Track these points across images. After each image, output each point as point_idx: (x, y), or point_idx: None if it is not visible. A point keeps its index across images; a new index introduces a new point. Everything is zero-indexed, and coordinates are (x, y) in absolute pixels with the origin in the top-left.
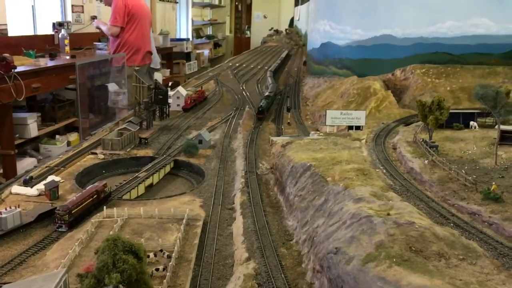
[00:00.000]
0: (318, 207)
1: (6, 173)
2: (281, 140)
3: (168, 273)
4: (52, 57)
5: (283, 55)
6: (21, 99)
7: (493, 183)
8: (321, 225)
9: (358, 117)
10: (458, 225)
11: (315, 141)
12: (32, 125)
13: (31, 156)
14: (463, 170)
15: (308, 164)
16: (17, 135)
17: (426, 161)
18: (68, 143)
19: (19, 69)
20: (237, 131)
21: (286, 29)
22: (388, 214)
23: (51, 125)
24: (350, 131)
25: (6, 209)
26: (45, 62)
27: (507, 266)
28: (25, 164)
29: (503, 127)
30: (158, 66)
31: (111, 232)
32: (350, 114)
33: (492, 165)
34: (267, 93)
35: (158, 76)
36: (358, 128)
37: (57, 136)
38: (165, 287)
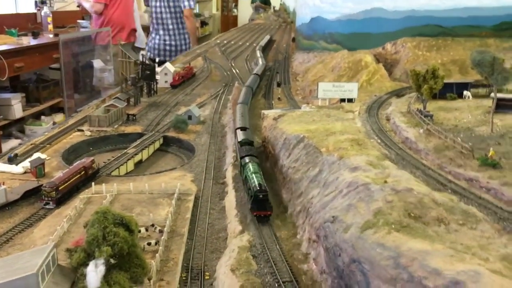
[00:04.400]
0: (313, 178)
1: None
2: (273, 113)
3: (160, 247)
4: (35, 35)
5: (265, 39)
6: (4, 79)
7: (491, 149)
8: (316, 196)
9: (351, 89)
10: (456, 191)
11: (307, 114)
12: (17, 106)
13: (16, 137)
14: (459, 138)
15: (301, 135)
16: (1, 116)
17: (421, 130)
18: (54, 124)
19: (1, 48)
20: (227, 106)
21: (273, 7)
22: (385, 182)
23: (36, 105)
24: (343, 104)
25: None
26: (28, 41)
27: (508, 230)
28: (10, 145)
29: (499, 95)
30: (144, 45)
31: (98, 208)
32: (342, 86)
33: (488, 132)
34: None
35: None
36: (350, 100)
37: (42, 117)
38: (158, 261)
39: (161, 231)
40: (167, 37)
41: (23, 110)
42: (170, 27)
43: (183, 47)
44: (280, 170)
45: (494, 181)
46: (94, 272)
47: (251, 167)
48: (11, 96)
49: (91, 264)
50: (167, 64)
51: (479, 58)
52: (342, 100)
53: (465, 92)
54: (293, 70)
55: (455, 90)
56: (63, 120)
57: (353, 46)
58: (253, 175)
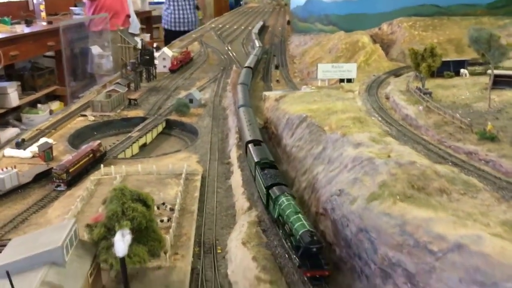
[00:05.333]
0: (317, 156)
1: None
2: (274, 95)
3: (173, 224)
4: (28, 23)
5: (260, 24)
6: (0, 67)
7: (489, 123)
8: (321, 172)
9: (350, 69)
10: (456, 164)
11: (308, 94)
12: (13, 94)
13: (14, 126)
14: (457, 114)
15: (304, 115)
16: None
17: (420, 108)
18: (51, 112)
19: None
20: (227, 89)
21: None
22: (389, 156)
23: (31, 94)
24: (342, 84)
25: (2, 170)
26: (22, 29)
27: (507, 198)
28: (8, 134)
29: (496, 71)
30: (138, 31)
31: (113, 187)
32: (342, 67)
33: (486, 108)
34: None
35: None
36: (349, 80)
37: (38, 105)
38: (171, 236)
39: (171, 209)
40: (180, 10)
41: (19, 99)
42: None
43: (193, 20)
44: (284, 149)
45: (493, 154)
46: (121, 241)
47: (288, 204)
48: (7, 85)
49: (118, 234)
50: (165, 49)
51: (476, 35)
52: (341, 80)
53: (462, 70)
54: (290, 52)
55: (452, 68)
56: (60, 108)
57: (349, 27)
58: (295, 216)
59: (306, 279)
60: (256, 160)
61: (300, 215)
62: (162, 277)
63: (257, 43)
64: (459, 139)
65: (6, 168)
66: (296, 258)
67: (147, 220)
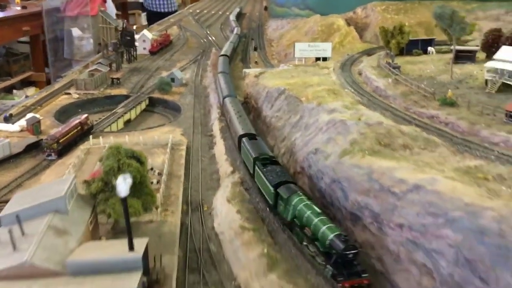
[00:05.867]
0: (294, 124)
1: None
2: (254, 72)
3: (162, 185)
4: (2, 8)
5: (237, 10)
6: None
7: (449, 91)
8: (298, 137)
9: (325, 48)
10: (419, 126)
11: (286, 71)
12: None
13: None
14: (422, 85)
15: (282, 88)
16: None
17: (390, 80)
18: (27, 97)
19: None
20: (207, 70)
21: None
22: (359, 119)
23: (7, 79)
24: (318, 62)
25: None
26: None
27: (461, 151)
28: None
29: (458, 47)
30: (113, 17)
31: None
32: (318, 46)
33: (448, 79)
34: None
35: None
36: (325, 59)
37: (14, 91)
38: (161, 194)
39: (160, 174)
40: None
41: None
42: None
43: (173, 1)
44: (263, 120)
45: (452, 117)
46: (123, 183)
47: (305, 205)
48: None
49: (120, 178)
50: (145, 31)
51: (440, 12)
52: (317, 59)
53: (429, 48)
54: (267, 36)
55: (420, 47)
56: (35, 93)
57: (325, 11)
58: (318, 219)
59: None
60: (254, 156)
61: (323, 216)
62: (154, 229)
63: (235, 30)
64: (423, 106)
65: None
66: (329, 267)
67: (141, 175)
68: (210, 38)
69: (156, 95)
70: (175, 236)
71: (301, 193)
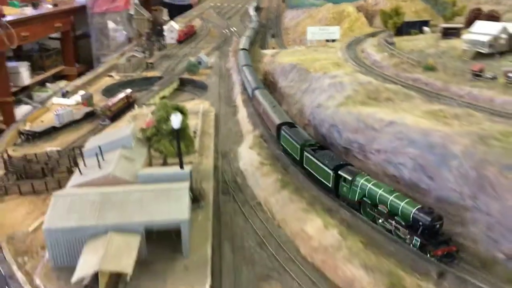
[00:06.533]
0: (304, 90)
1: (6, 120)
2: (270, 52)
3: (197, 138)
4: (35, 6)
5: (253, 4)
6: (14, 46)
7: (430, 59)
8: (307, 99)
9: (333, 31)
10: (404, 86)
11: (298, 51)
12: (25, 74)
13: (26, 103)
14: (411, 56)
15: (295, 63)
16: (11, 84)
17: (385, 54)
18: (61, 89)
19: (9, 18)
20: (229, 55)
21: None
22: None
23: (41, 73)
24: (327, 43)
25: (60, 109)
26: (30, 11)
27: (432, 101)
28: (22, 111)
29: (444, 24)
30: (132, 13)
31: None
32: (327, 29)
33: (435, 52)
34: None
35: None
36: (333, 41)
37: (47, 84)
38: (197, 142)
39: (195, 132)
40: None
41: (30, 78)
42: None
43: None
44: (279, 91)
45: (431, 78)
46: (176, 118)
47: (375, 184)
48: (18, 64)
49: (173, 115)
50: (172, 22)
51: None
52: (327, 41)
53: (425, 28)
54: (284, 26)
55: (418, 27)
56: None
57: (338, 0)
58: (394, 195)
59: (435, 258)
60: (301, 143)
61: (397, 192)
62: (194, 167)
63: (252, 24)
64: (410, 72)
65: (63, 107)
66: (416, 238)
67: (185, 122)
68: (231, 29)
69: (185, 76)
70: (210, 172)
71: (364, 173)
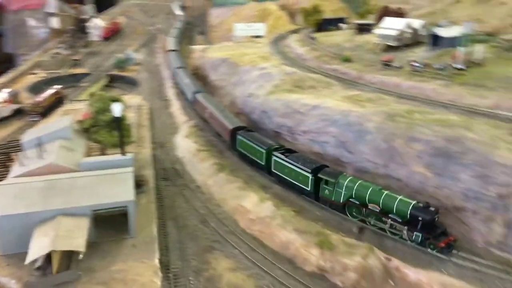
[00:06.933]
0: (234, 82)
1: None
2: (200, 48)
3: (133, 129)
4: None
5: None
6: None
7: (346, 52)
8: (238, 91)
9: (259, 28)
10: (325, 75)
11: (227, 46)
12: None
13: None
14: (331, 49)
15: (225, 57)
16: None
17: (308, 48)
18: None
19: None
20: (156, 51)
21: None
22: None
23: None
24: (254, 39)
25: None
26: None
27: (349, 88)
28: None
29: (358, 21)
30: (53, 10)
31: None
32: (254, 26)
33: (351, 45)
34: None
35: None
36: (259, 37)
37: None
38: (134, 133)
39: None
40: None
41: None
42: None
43: None
44: (210, 84)
45: (347, 68)
46: (117, 107)
47: (361, 184)
48: None
49: (114, 104)
50: (96, 20)
51: None
52: (253, 37)
53: (340, 24)
54: (210, 23)
55: (334, 24)
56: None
57: None
58: (385, 193)
59: (438, 250)
60: (267, 147)
61: (386, 190)
62: (133, 157)
63: (177, 23)
64: (329, 63)
65: None
66: (416, 233)
67: (124, 111)
68: (157, 26)
69: (115, 72)
70: (149, 160)
71: (345, 174)
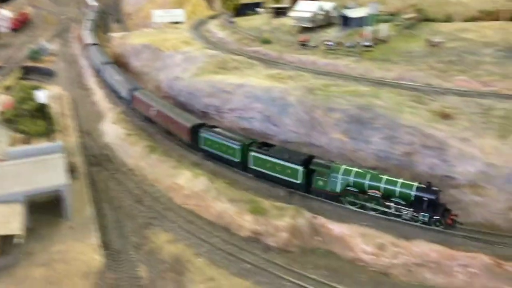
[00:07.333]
0: (158, 67)
1: None
2: (119, 35)
3: (58, 118)
4: None
5: None
6: None
7: (265, 34)
8: (162, 75)
9: (178, 14)
10: (247, 57)
11: (147, 32)
12: None
13: None
14: (250, 32)
15: (147, 43)
16: None
17: (228, 31)
18: None
19: None
20: (71, 41)
21: None
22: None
23: None
24: (174, 25)
25: None
26: None
27: (269, 67)
28: None
29: (274, 5)
30: None
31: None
32: (172, 12)
33: (269, 28)
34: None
35: None
36: (179, 23)
37: None
38: (57, 122)
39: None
40: None
41: None
42: None
43: None
44: (133, 71)
45: (268, 50)
46: (42, 93)
47: (358, 171)
48: None
49: (38, 91)
50: (2, 10)
51: None
52: (173, 23)
53: (257, 9)
54: (125, 11)
55: (252, 8)
56: None
57: None
58: (385, 178)
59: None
60: (241, 143)
61: (384, 175)
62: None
63: (90, 15)
64: (250, 45)
65: None
66: (424, 214)
67: (46, 103)
68: (68, 15)
69: (29, 63)
70: (77, 148)
71: (338, 162)
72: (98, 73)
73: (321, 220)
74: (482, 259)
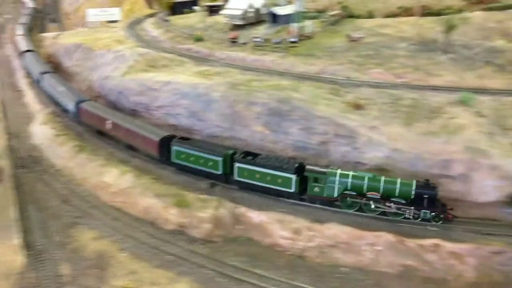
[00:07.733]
0: (91, 67)
1: None
2: (52, 35)
3: None
4: None
5: None
6: None
7: (198, 32)
8: (94, 75)
9: (114, 13)
10: (179, 54)
11: (81, 32)
12: None
13: None
14: (184, 30)
15: (79, 43)
16: None
17: (162, 30)
18: None
19: None
20: (3, 42)
21: None
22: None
23: None
24: (109, 24)
25: None
26: None
27: (199, 64)
28: None
29: (209, 3)
30: None
31: None
32: (108, 10)
33: (203, 26)
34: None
35: None
36: (115, 21)
37: None
38: None
39: None
40: None
41: None
42: None
43: None
44: (65, 71)
45: (200, 47)
46: None
47: (355, 175)
48: None
49: None
50: None
51: None
52: (109, 22)
53: (195, 7)
54: (63, 11)
55: (189, 7)
56: None
57: None
58: (383, 179)
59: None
60: (223, 155)
61: (380, 176)
62: None
63: (24, 18)
64: (183, 43)
65: None
66: (425, 211)
67: None
68: (4, 16)
69: None
70: (2, 151)
71: (332, 167)
72: (37, 84)
73: (242, 209)
74: (386, 237)
